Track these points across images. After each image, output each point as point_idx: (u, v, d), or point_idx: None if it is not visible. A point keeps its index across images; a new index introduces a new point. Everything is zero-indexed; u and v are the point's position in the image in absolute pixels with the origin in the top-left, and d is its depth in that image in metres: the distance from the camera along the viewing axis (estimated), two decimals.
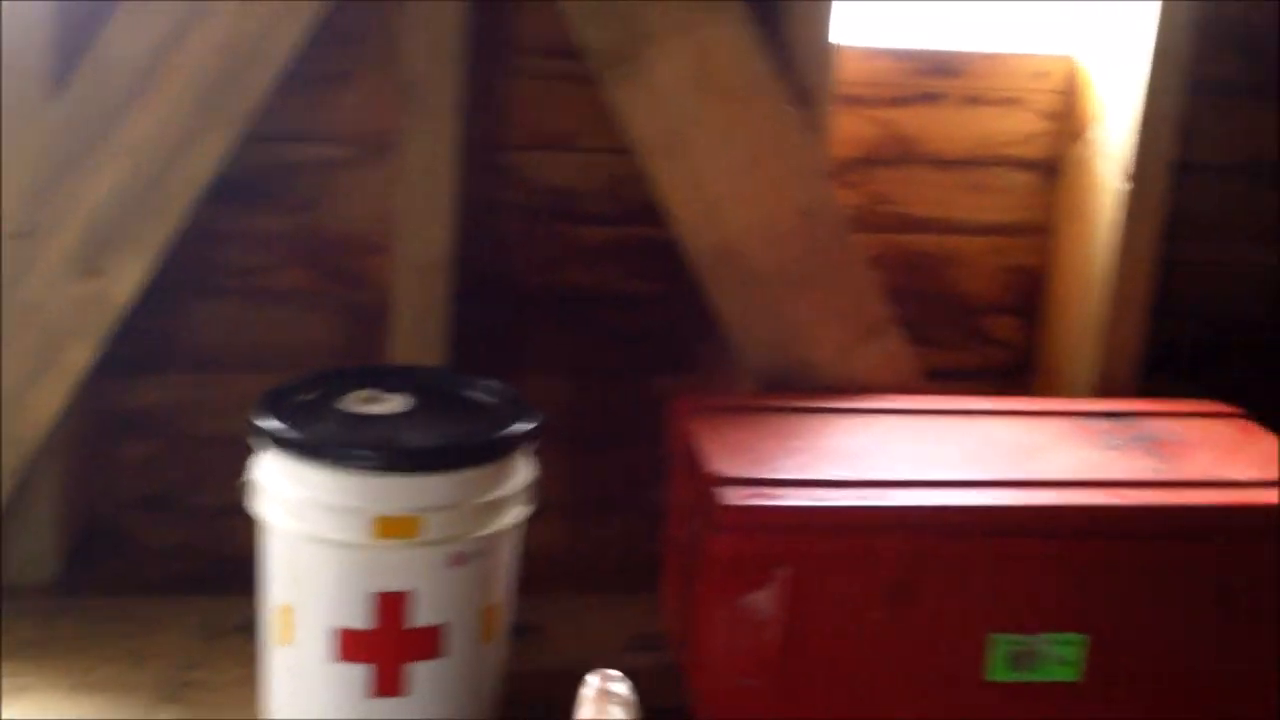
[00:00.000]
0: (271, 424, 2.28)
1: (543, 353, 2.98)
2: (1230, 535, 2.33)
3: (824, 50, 2.71)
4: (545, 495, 2.94)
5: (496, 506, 2.30)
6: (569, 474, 3.00)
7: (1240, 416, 2.77)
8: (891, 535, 2.27)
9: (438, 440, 2.29)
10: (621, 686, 1.86)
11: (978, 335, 3.16)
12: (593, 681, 1.86)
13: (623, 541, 3.05)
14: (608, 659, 2.72)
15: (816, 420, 2.60)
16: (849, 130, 2.95)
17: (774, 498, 2.28)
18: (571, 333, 2.98)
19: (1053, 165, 3.07)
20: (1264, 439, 2.66)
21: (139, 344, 2.78)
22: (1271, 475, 2.46)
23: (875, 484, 2.33)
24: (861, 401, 2.69)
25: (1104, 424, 2.68)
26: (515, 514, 2.35)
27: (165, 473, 2.93)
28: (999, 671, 2.35)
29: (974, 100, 3.02)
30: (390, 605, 2.23)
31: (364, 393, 2.42)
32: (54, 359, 2.59)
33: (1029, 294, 3.14)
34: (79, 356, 2.60)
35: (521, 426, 2.34)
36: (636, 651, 2.71)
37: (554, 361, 2.99)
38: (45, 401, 2.61)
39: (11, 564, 2.74)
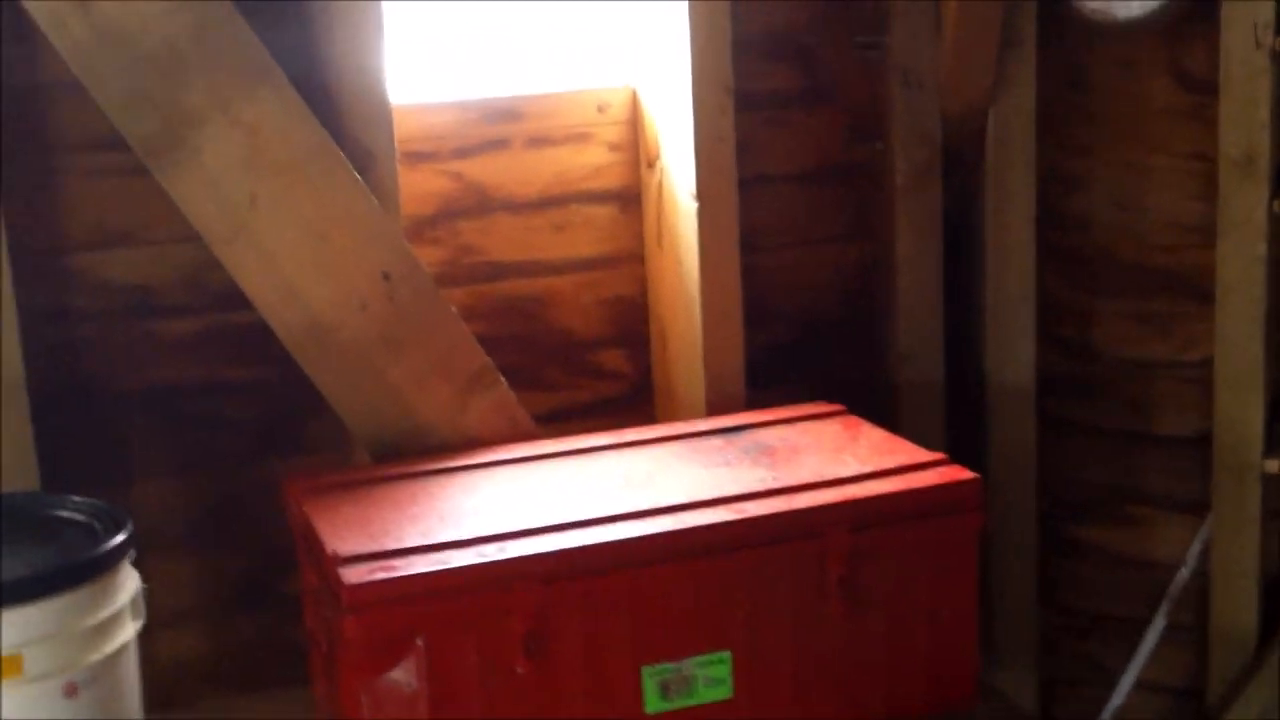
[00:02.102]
0: None
1: (147, 456, 2.86)
2: (843, 530, 2.39)
3: (381, 110, 2.68)
4: (177, 603, 2.85)
5: (104, 628, 2.17)
6: (197, 577, 2.89)
7: (843, 413, 2.86)
8: (519, 586, 2.24)
9: (26, 569, 2.15)
10: None
11: (589, 371, 3.17)
12: None
13: (265, 636, 2.95)
14: None
15: (432, 483, 2.56)
16: (421, 186, 2.92)
17: (396, 569, 2.22)
18: (173, 431, 2.86)
19: (631, 195, 3.12)
20: (868, 432, 2.76)
21: None
22: (874, 467, 2.54)
23: (496, 538, 2.30)
24: (475, 457, 2.66)
25: (716, 441, 2.72)
26: (127, 631, 2.23)
27: None
28: (654, 703, 2.35)
29: (541, 141, 3.04)
30: None
31: None
32: None
33: (632, 323, 3.18)
34: None
35: (117, 538, 2.21)
36: None
37: (161, 463, 2.86)
38: None
39: None
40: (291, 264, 2.54)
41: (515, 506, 2.44)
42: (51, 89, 2.66)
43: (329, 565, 2.25)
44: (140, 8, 2.36)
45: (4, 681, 2.07)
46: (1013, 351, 3.32)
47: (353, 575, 2.20)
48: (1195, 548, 3.25)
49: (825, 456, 2.62)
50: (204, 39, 2.42)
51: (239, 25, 2.46)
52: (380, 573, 2.21)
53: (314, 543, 2.37)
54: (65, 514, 2.34)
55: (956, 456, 2.63)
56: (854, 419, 2.83)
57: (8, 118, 2.60)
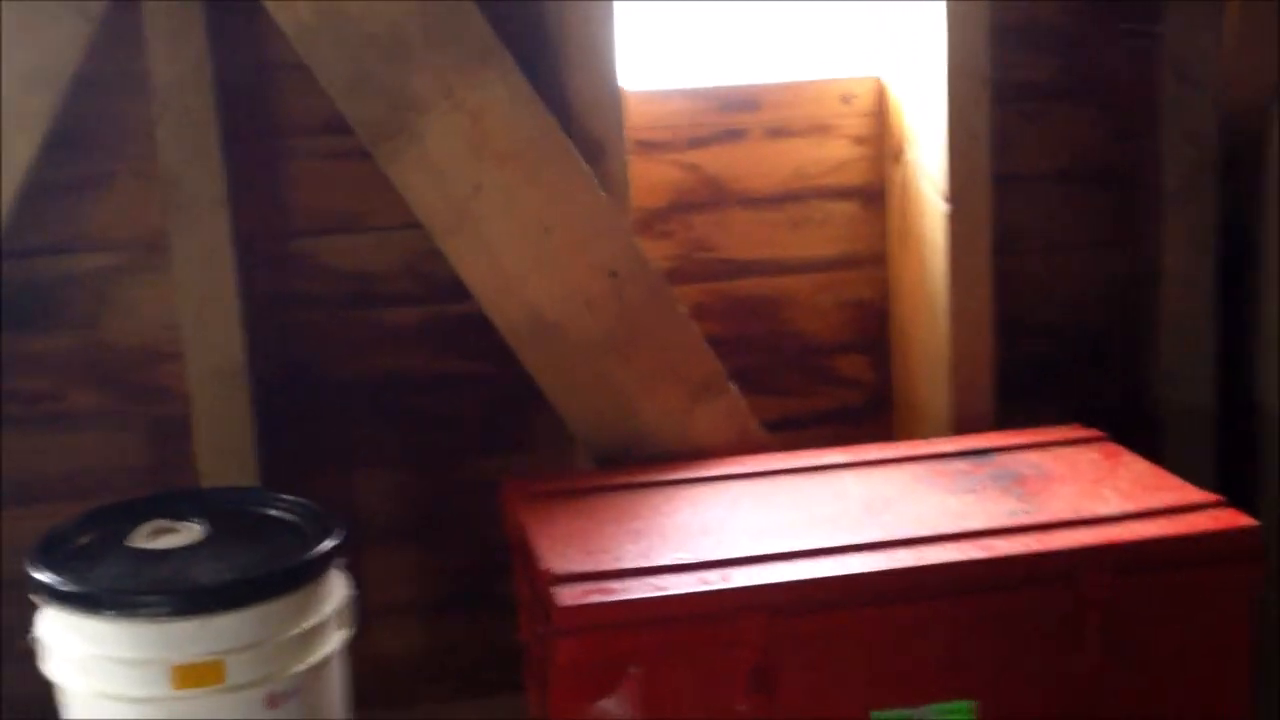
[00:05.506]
0: (46, 576, 2.05)
1: (365, 447, 2.79)
2: (1103, 575, 2.17)
3: (611, 97, 2.54)
4: (393, 597, 2.78)
5: (310, 637, 2.11)
6: (414, 571, 2.83)
7: (1103, 440, 2.62)
8: (746, 618, 2.08)
9: (233, 573, 2.08)
10: None
11: (826, 377, 2.99)
12: None
13: (482, 637, 2.86)
14: None
15: (656, 495, 2.42)
16: (652, 177, 2.79)
17: (615, 592, 2.08)
18: (393, 422, 2.80)
19: (874, 191, 2.92)
20: (1130, 463, 2.51)
21: None
22: (1138, 506, 2.30)
23: (723, 563, 2.14)
24: (703, 469, 2.51)
25: (961, 464, 2.52)
26: (333, 641, 2.15)
27: None
28: None
29: (780, 132, 2.86)
30: None
31: (152, 525, 2.21)
32: None
33: (872, 328, 2.99)
34: None
35: (326, 545, 2.13)
36: None
37: (379, 455, 2.80)
38: None
39: None
40: (513, 258, 2.44)
41: (743, 528, 2.28)
42: (277, 70, 2.60)
43: (542, 582, 2.13)
44: None
45: (205, 689, 2.02)
46: None
47: (567, 596, 2.07)
48: None
49: (1083, 489, 2.39)
50: (428, 20, 2.33)
51: (465, 6, 2.36)
52: (596, 595, 2.08)
53: (529, 555, 2.25)
54: (275, 514, 2.28)
55: (1226, 493, 2.38)
56: (1114, 447, 2.58)
57: (236, 99, 2.55)
